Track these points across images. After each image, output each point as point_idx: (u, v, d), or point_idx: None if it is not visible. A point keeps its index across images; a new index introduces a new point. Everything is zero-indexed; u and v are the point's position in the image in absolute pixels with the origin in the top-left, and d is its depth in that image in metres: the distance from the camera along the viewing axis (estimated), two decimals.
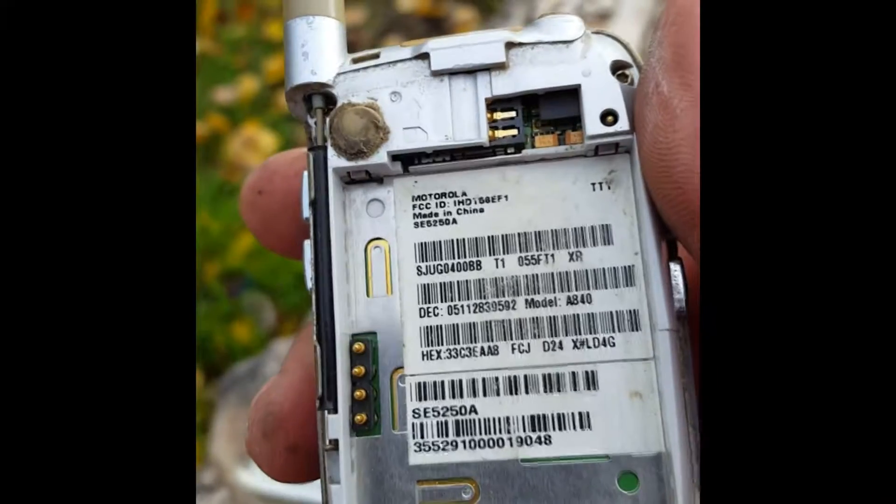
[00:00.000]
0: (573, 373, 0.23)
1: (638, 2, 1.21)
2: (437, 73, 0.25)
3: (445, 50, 0.25)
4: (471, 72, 0.25)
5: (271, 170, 0.27)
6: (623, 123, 0.23)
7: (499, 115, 0.25)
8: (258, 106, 1.63)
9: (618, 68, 0.24)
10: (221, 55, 1.66)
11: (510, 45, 0.25)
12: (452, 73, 0.25)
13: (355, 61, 0.26)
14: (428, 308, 0.25)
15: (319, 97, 0.26)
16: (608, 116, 0.24)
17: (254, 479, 0.83)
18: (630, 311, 0.24)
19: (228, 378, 0.97)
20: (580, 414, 0.23)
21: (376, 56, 0.26)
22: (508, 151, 0.25)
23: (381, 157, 0.25)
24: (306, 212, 0.25)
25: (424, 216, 0.25)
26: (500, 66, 0.24)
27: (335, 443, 0.23)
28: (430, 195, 0.25)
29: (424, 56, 0.25)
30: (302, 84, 0.25)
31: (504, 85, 0.25)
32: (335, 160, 0.25)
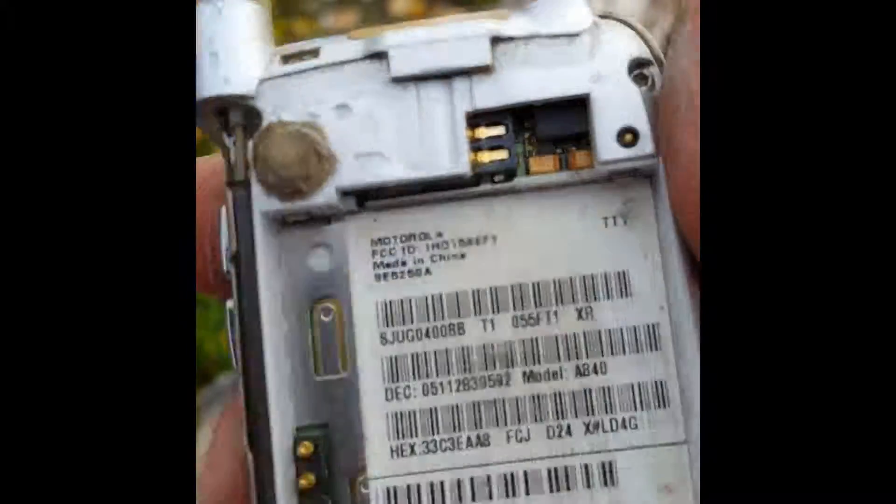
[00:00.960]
0: (586, 465, 0.19)
1: (630, 5, 1.21)
2: (400, 80, 0.19)
3: (410, 48, 0.19)
4: (445, 76, 0.19)
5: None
6: (646, 144, 0.19)
7: (483, 132, 0.19)
8: None
9: (635, 68, 0.19)
10: None
11: (496, 41, 0.19)
12: (420, 78, 0.19)
13: (286, 60, 0.20)
14: (396, 388, 0.20)
15: (238, 111, 0.19)
16: (626, 135, 0.19)
17: None
18: (656, 384, 0.19)
19: (211, 390, 0.95)
20: None
21: (315, 53, 0.20)
22: (496, 180, 0.20)
23: (326, 196, 0.19)
24: (226, 264, 0.20)
25: (388, 266, 0.20)
26: (484, 70, 0.19)
27: None
28: (395, 238, 0.20)
29: (381, 55, 0.19)
30: (210, 97, 0.19)
31: (489, 94, 0.19)
32: (263, 201, 0.19)
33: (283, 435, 0.19)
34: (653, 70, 0.19)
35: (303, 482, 0.19)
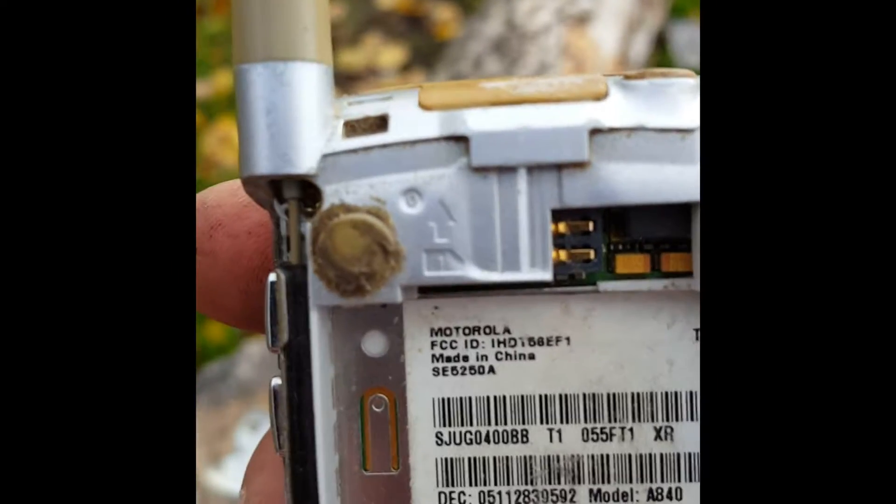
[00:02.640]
0: None
1: (618, 4, 1.21)
2: (481, 169, 0.16)
3: (496, 136, 0.16)
4: (532, 168, 0.16)
5: (211, 221, 0.20)
6: None
7: (568, 228, 0.17)
8: (234, 101, 1.61)
9: None
10: (198, 49, 1.64)
11: (596, 132, 0.16)
12: (503, 168, 0.16)
13: (350, 128, 0.17)
14: (451, 493, 0.18)
15: (294, 185, 0.17)
16: None
17: (225, 480, 0.82)
18: None
19: (199, 380, 0.95)
20: None
21: (384, 124, 0.17)
22: (577, 281, 0.17)
23: (389, 294, 0.17)
24: (272, 341, 0.18)
25: (448, 359, 0.18)
26: (579, 165, 0.16)
27: None
28: (458, 329, 0.18)
29: (461, 139, 0.16)
30: (263, 175, 0.17)
31: (581, 191, 0.16)
32: (322, 295, 0.17)
33: None
34: None
35: None
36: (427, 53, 1.57)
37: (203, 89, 1.52)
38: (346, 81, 1.74)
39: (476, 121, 0.16)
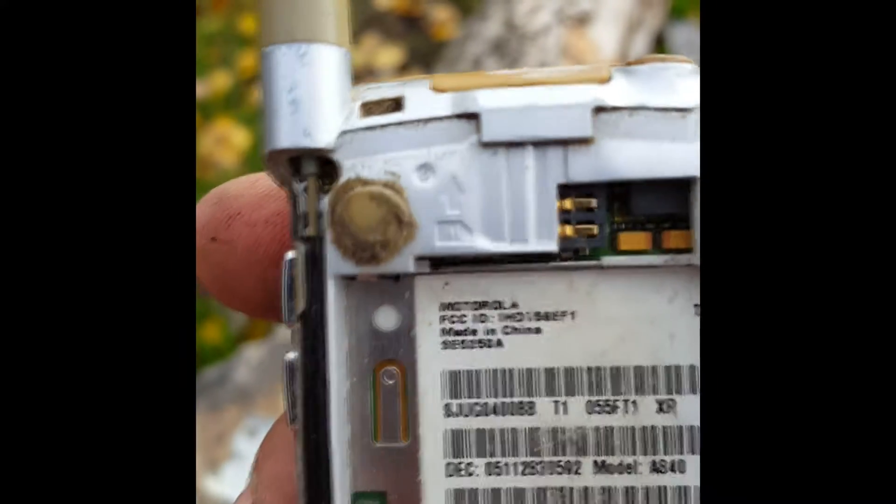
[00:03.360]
0: None
1: (618, 4, 1.21)
2: (490, 145, 0.17)
3: (505, 113, 0.17)
4: (541, 143, 0.17)
5: (230, 210, 0.21)
6: None
7: (573, 204, 0.18)
8: (231, 101, 1.60)
9: None
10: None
11: (599, 111, 0.17)
12: (512, 144, 0.17)
13: (367, 109, 0.18)
14: (459, 464, 0.18)
15: (312, 161, 0.18)
16: None
17: (222, 487, 0.81)
18: None
19: (196, 384, 0.95)
20: None
21: (399, 104, 0.18)
22: (581, 254, 0.18)
23: (402, 264, 0.18)
24: (288, 315, 0.18)
25: (457, 333, 0.18)
26: (583, 141, 0.17)
27: None
28: (467, 304, 0.18)
29: (472, 116, 0.17)
30: (286, 149, 0.18)
31: (586, 167, 0.17)
32: (338, 263, 0.18)
33: (342, 501, 0.18)
34: None
35: None
36: (425, 54, 1.56)
37: (200, 89, 1.52)
38: None
39: (486, 99, 0.17)
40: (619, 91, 0.17)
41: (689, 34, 1.56)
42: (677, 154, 0.17)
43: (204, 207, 0.21)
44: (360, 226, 0.17)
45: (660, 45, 1.41)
